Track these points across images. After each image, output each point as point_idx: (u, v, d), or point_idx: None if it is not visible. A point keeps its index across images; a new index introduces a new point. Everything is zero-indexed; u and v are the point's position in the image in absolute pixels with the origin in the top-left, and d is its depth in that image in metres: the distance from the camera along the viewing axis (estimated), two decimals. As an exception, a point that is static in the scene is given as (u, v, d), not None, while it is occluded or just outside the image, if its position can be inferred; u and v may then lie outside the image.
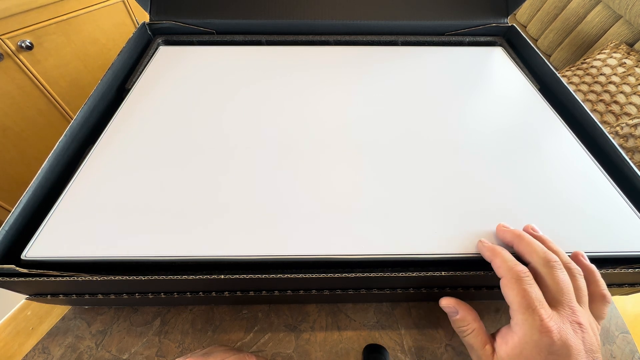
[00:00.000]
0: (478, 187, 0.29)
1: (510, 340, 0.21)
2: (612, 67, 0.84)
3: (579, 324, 0.20)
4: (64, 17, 0.82)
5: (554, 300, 0.20)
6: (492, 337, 0.23)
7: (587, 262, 0.23)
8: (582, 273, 0.22)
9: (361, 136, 0.33)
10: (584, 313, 0.20)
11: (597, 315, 0.22)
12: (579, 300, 0.21)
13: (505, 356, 0.21)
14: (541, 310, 0.20)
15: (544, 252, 0.22)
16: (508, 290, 0.21)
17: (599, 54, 0.89)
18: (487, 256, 0.23)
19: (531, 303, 0.20)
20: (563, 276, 0.21)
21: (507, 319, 0.32)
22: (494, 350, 0.22)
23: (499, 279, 0.22)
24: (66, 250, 0.24)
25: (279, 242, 0.25)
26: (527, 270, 0.22)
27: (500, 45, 0.47)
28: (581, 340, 0.19)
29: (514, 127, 0.35)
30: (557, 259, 0.21)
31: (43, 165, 0.28)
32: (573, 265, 0.22)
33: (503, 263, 0.22)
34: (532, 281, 0.21)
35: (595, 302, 0.22)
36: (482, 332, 0.23)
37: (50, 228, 0.26)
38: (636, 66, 0.81)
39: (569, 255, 0.23)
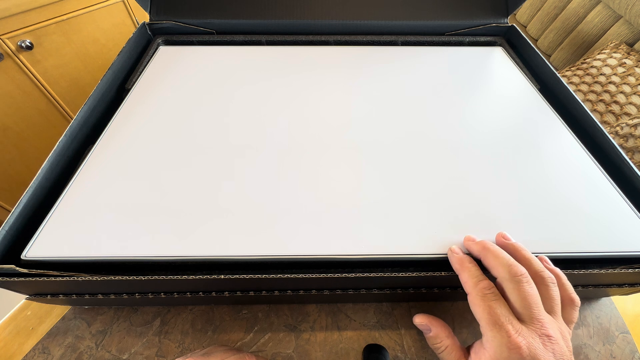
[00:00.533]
0: (478, 187, 0.29)
1: (482, 356, 0.21)
2: (612, 67, 0.84)
3: (548, 336, 0.19)
4: (64, 17, 0.82)
5: (521, 315, 0.20)
6: (467, 351, 0.23)
7: (552, 266, 0.23)
8: (555, 281, 0.22)
9: (361, 136, 0.33)
10: (553, 323, 0.20)
11: (567, 319, 0.22)
12: (550, 310, 0.21)
13: None
14: (508, 326, 0.19)
15: (509, 265, 0.21)
16: (475, 307, 0.21)
17: (599, 54, 0.89)
18: (456, 268, 0.23)
19: (497, 320, 0.20)
20: (529, 289, 0.20)
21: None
22: None
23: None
24: (66, 250, 0.24)
25: (279, 242, 0.25)
26: (492, 285, 0.21)
27: (500, 45, 0.47)
28: (551, 352, 0.19)
29: (514, 127, 0.35)
30: (523, 271, 0.21)
31: (43, 165, 0.28)
32: (546, 274, 0.22)
33: (469, 279, 0.22)
34: (498, 296, 0.21)
35: (565, 307, 0.22)
36: (455, 348, 0.23)
37: (50, 228, 0.26)
38: (636, 66, 0.81)
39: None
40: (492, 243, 0.24)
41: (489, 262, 0.23)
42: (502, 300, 0.21)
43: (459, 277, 0.23)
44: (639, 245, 0.26)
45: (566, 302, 0.22)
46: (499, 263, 0.22)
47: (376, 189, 0.29)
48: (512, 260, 0.22)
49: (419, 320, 0.25)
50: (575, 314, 0.22)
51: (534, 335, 0.19)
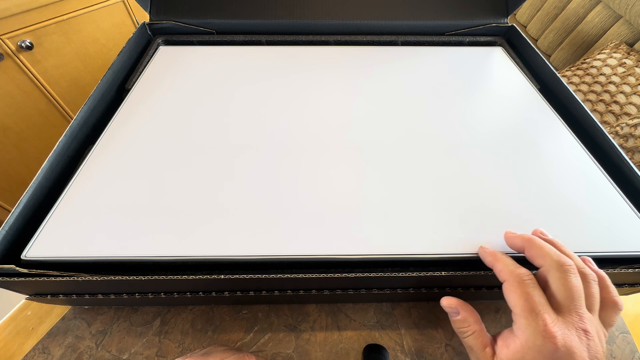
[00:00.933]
0: (478, 187, 0.29)
1: (511, 344, 0.20)
2: (612, 67, 0.84)
3: (585, 330, 0.19)
4: (64, 17, 0.82)
5: (561, 306, 0.20)
6: (493, 339, 0.23)
7: (596, 267, 0.23)
8: (596, 279, 0.21)
9: (361, 136, 0.33)
10: (592, 320, 0.20)
11: (606, 322, 0.21)
12: (589, 307, 0.20)
13: (506, 359, 0.20)
14: (545, 315, 0.19)
15: (558, 255, 0.21)
16: (510, 293, 0.21)
17: (599, 54, 0.89)
18: (489, 261, 0.23)
19: (534, 307, 0.20)
20: (575, 281, 0.20)
21: (506, 320, 0.32)
22: (494, 352, 0.22)
23: (500, 282, 0.22)
24: (66, 250, 0.24)
25: (279, 242, 0.25)
26: (530, 274, 0.21)
27: (500, 45, 0.47)
28: (586, 347, 0.19)
29: (514, 127, 0.35)
30: (571, 262, 0.21)
31: (43, 165, 0.28)
32: (588, 270, 0.21)
33: (505, 267, 0.22)
34: (536, 285, 0.21)
35: (606, 309, 0.21)
36: (482, 334, 0.23)
37: (50, 228, 0.26)
38: (636, 66, 0.81)
39: None
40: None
41: (534, 252, 0.22)
42: (540, 289, 0.21)
43: (493, 268, 0.23)
44: (639, 245, 0.26)
45: (609, 305, 0.21)
46: (546, 252, 0.21)
47: (376, 189, 0.29)
48: (558, 251, 0.22)
49: (447, 302, 0.24)
50: (615, 318, 0.22)
51: (570, 328, 0.19)
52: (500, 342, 0.21)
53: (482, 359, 0.22)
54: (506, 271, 0.22)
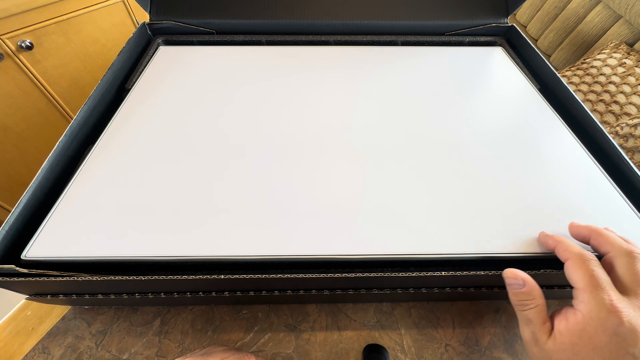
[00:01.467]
0: (478, 187, 0.29)
1: (571, 317, 0.20)
2: (612, 67, 0.84)
3: None
4: (64, 17, 0.83)
5: (626, 288, 0.20)
6: (550, 317, 0.22)
7: None
8: None
9: (361, 136, 0.33)
10: None
11: None
12: None
13: (565, 331, 0.20)
14: (611, 292, 0.19)
15: (625, 242, 0.22)
16: (574, 270, 0.21)
17: (599, 54, 0.89)
18: (550, 244, 0.24)
19: (600, 282, 0.20)
20: None
21: (506, 319, 0.32)
22: (552, 328, 0.21)
23: (501, 283, 0.22)
24: (66, 250, 0.24)
25: (279, 242, 0.25)
26: (594, 255, 0.21)
27: (500, 45, 0.47)
28: None
29: (514, 127, 0.35)
30: (639, 250, 0.21)
31: (43, 165, 0.28)
32: None
33: (568, 247, 0.22)
34: (600, 265, 0.21)
35: None
36: (544, 309, 0.23)
37: (50, 228, 0.26)
38: (636, 66, 0.81)
39: None
40: None
41: (601, 240, 0.22)
42: (602, 269, 0.21)
43: (555, 251, 0.23)
44: (639, 245, 0.26)
45: None
46: (613, 240, 0.22)
47: (376, 189, 0.29)
48: (625, 241, 0.22)
49: (512, 274, 0.23)
50: None
51: (636, 309, 0.19)
52: (558, 317, 0.21)
53: (538, 332, 0.22)
54: (570, 250, 0.22)
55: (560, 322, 0.21)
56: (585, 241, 0.24)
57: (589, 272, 0.20)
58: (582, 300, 0.20)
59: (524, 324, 0.23)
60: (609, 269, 0.21)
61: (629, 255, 0.21)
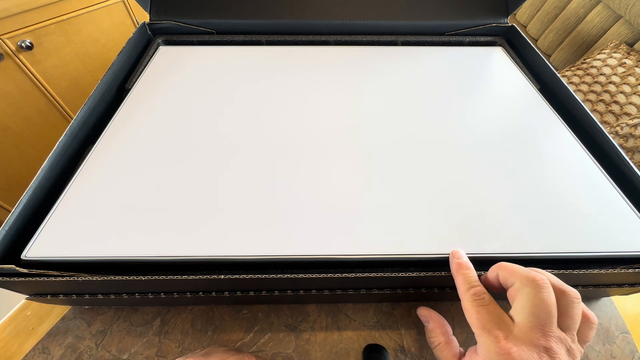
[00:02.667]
0: (478, 187, 0.29)
1: None
2: (612, 67, 0.84)
3: (547, 348, 0.18)
4: (64, 17, 0.82)
5: (523, 323, 0.19)
6: (463, 354, 0.23)
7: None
8: (579, 298, 0.20)
9: (361, 136, 0.33)
10: (561, 339, 0.19)
11: (582, 339, 0.20)
12: (566, 327, 0.19)
13: None
14: (497, 331, 0.19)
15: (528, 271, 0.20)
16: (466, 312, 0.21)
17: (599, 54, 0.89)
18: (453, 273, 0.23)
19: (485, 324, 0.19)
20: (546, 297, 0.19)
21: (507, 319, 0.32)
22: None
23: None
24: (66, 250, 0.24)
25: (279, 242, 0.25)
26: (485, 291, 0.21)
27: (500, 45, 0.47)
28: None
29: (514, 128, 0.35)
30: (544, 278, 0.20)
31: (43, 165, 0.28)
32: (568, 288, 0.20)
33: (462, 285, 0.22)
34: (490, 302, 0.20)
35: (580, 325, 0.20)
36: (449, 347, 0.23)
37: (50, 228, 0.26)
38: (636, 66, 0.81)
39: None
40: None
41: (504, 274, 0.21)
42: (493, 306, 0.20)
43: (455, 282, 0.23)
44: (639, 245, 0.26)
45: (582, 320, 0.20)
46: (517, 271, 0.21)
47: (376, 189, 0.29)
48: (531, 270, 0.21)
49: (421, 312, 0.25)
50: (591, 334, 0.21)
51: (529, 346, 0.18)
52: (467, 358, 0.22)
53: None
54: (462, 289, 0.22)
55: None
56: (496, 280, 0.22)
57: (475, 313, 0.20)
58: (479, 345, 0.20)
59: None
60: (514, 301, 0.20)
61: (530, 285, 0.20)
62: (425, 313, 0.25)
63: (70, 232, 0.25)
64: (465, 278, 0.22)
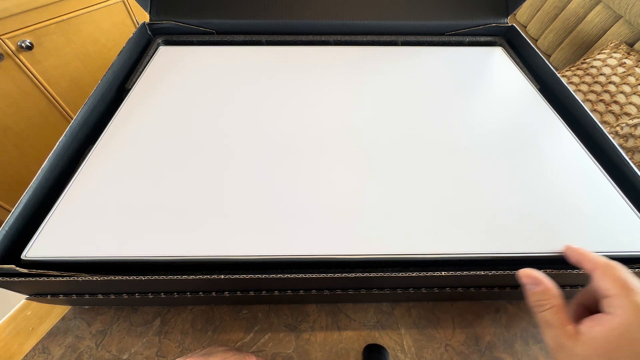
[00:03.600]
0: (478, 187, 0.29)
1: (607, 322, 0.19)
2: (612, 67, 0.84)
3: None
4: (64, 17, 0.82)
5: None
6: (576, 320, 0.21)
7: None
8: None
9: (361, 136, 0.33)
10: None
11: None
12: None
13: (601, 337, 0.19)
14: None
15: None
16: (604, 278, 0.20)
17: (599, 54, 0.89)
18: (575, 259, 0.23)
19: (634, 287, 0.19)
20: None
21: (507, 320, 0.32)
22: (576, 332, 0.20)
23: (502, 279, 0.22)
24: (66, 250, 0.24)
25: (279, 242, 0.25)
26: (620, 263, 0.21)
27: (500, 45, 0.47)
28: None
29: (514, 127, 0.35)
30: None
31: (43, 165, 0.28)
32: None
33: (594, 257, 0.22)
34: (629, 271, 0.20)
35: None
36: (562, 310, 0.21)
37: (50, 228, 0.26)
38: (636, 66, 0.81)
39: None
40: None
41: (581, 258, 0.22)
42: (632, 274, 0.20)
43: (582, 264, 0.22)
44: (639, 245, 0.26)
45: None
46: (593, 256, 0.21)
47: (376, 189, 0.29)
48: None
49: (526, 273, 0.23)
50: None
51: None
52: (589, 323, 0.20)
53: (561, 336, 0.21)
54: (595, 261, 0.21)
55: (593, 328, 0.20)
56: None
57: (620, 278, 0.20)
58: (620, 305, 0.19)
59: (545, 328, 0.22)
60: None
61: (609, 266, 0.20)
62: (533, 274, 0.22)
63: (70, 232, 0.25)
64: (593, 254, 0.22)
